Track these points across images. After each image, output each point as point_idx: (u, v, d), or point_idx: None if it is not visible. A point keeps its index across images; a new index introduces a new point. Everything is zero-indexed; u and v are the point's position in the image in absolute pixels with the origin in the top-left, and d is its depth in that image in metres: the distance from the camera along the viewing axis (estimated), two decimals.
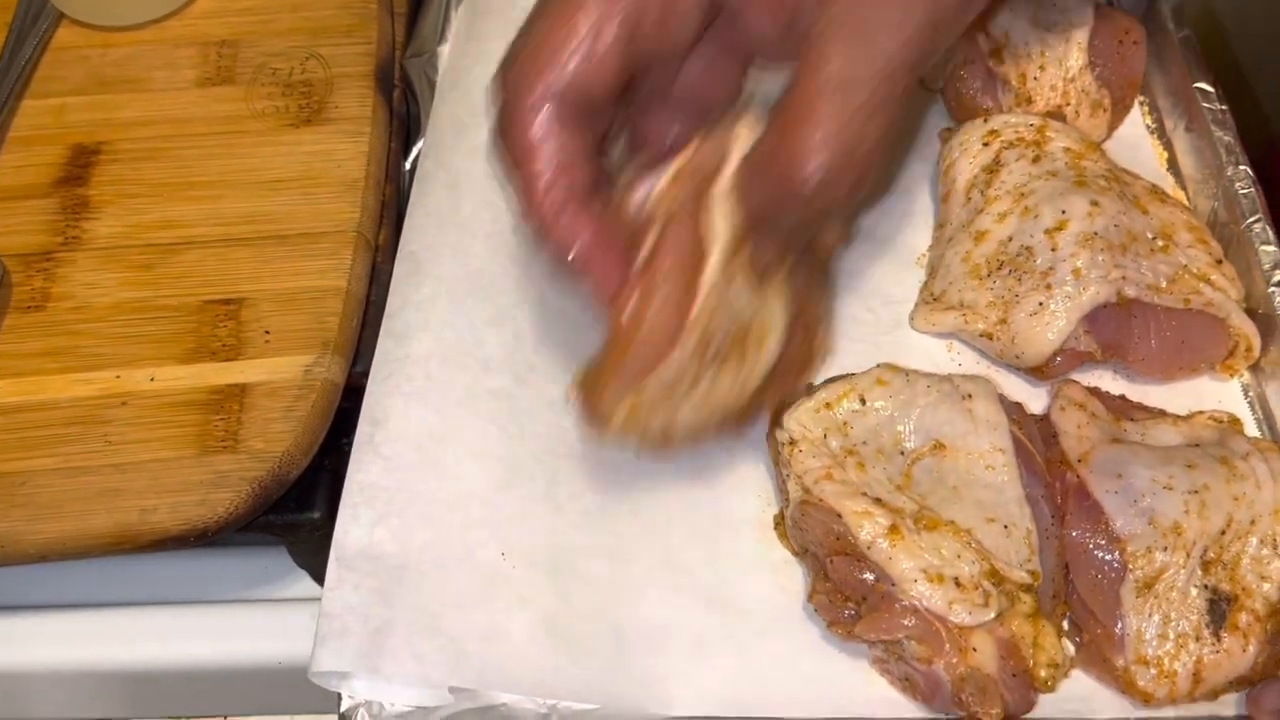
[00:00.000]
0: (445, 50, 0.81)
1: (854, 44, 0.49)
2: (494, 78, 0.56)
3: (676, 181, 0.58)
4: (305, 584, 0.71)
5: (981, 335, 0.71)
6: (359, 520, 0.61)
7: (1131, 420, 0.67)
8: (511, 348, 0.69)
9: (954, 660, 0.57)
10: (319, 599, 0.69)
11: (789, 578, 0.64)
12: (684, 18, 0.55)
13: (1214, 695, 0.60)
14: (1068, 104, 0.81)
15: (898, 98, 0.51)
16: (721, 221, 0.56)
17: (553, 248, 0.56)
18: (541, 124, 0.54)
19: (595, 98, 0.54)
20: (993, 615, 0.57)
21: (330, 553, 0.60)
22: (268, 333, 0.66)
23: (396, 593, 0.60)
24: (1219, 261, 0.72)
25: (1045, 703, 0.59)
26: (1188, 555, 0.59)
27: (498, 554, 0.62)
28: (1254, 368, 0.72)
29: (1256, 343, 0.70)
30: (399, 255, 0.71)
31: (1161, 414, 0.68)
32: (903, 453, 0.63)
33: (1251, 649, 0.58)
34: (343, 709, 0.57)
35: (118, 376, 0.65)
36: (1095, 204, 0.71)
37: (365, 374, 0.68)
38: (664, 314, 0.55)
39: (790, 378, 0.65)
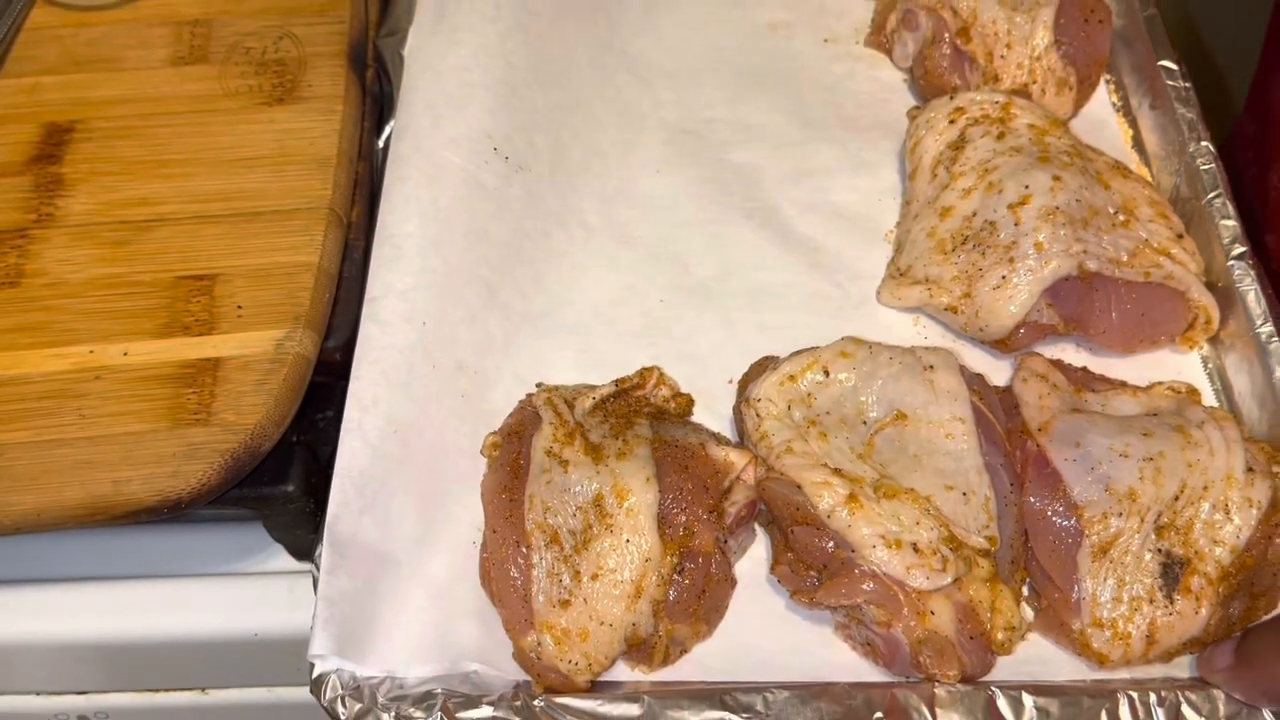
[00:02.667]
0: (412, 29, 0.81)
1: None
2: None
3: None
4: (281, 558, 0.72)
5: (946, 309, 0.72)
6: (350, 507, 0.62)
7: (1092, 391, 0.68)
8: (483, 349, 0.70)
9: (912, 624, 0.58)
10: (295, 573, 0.71)
11: (754, 553, 0.65)
12: None
13: (1168, 657, 0.61)
14: (1034, 82, 0.82)
15: None
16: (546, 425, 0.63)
17: None
18: None
19: None
20: (950, 580, 0.58)
21: (324, 538, 0.61)
22: (240, 308, 0.67)
23: (385, 578, 0.61)
24: (1180, 236, 0.74)
25: (1003, 665, 0.60)
26: (1142, 520, 0.61)
27: (470, 542, 0.64)
28: (1213, 340, 0.73)
29: (1215, 315, 0.72)
30: (377, 238, 0.72)
31: (1122, 385, 0.69)
32: (865, 423, 0.65)
33: (1203, 611, 0.60)
34: (314, 675, 0.58)
35: (91, 351, 0.65)
36: (1057, 179, 0.72)
37: (338, 349, 0.69)
38: (500, 553, 0.60)
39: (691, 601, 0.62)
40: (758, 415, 0.65)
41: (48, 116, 0.75)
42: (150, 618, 0.69)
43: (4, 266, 0.68)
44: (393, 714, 0.56)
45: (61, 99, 0.76)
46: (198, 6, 0.80)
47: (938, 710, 0.57)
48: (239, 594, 0.70)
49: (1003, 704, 0.57)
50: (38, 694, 0.75)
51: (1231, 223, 0.74)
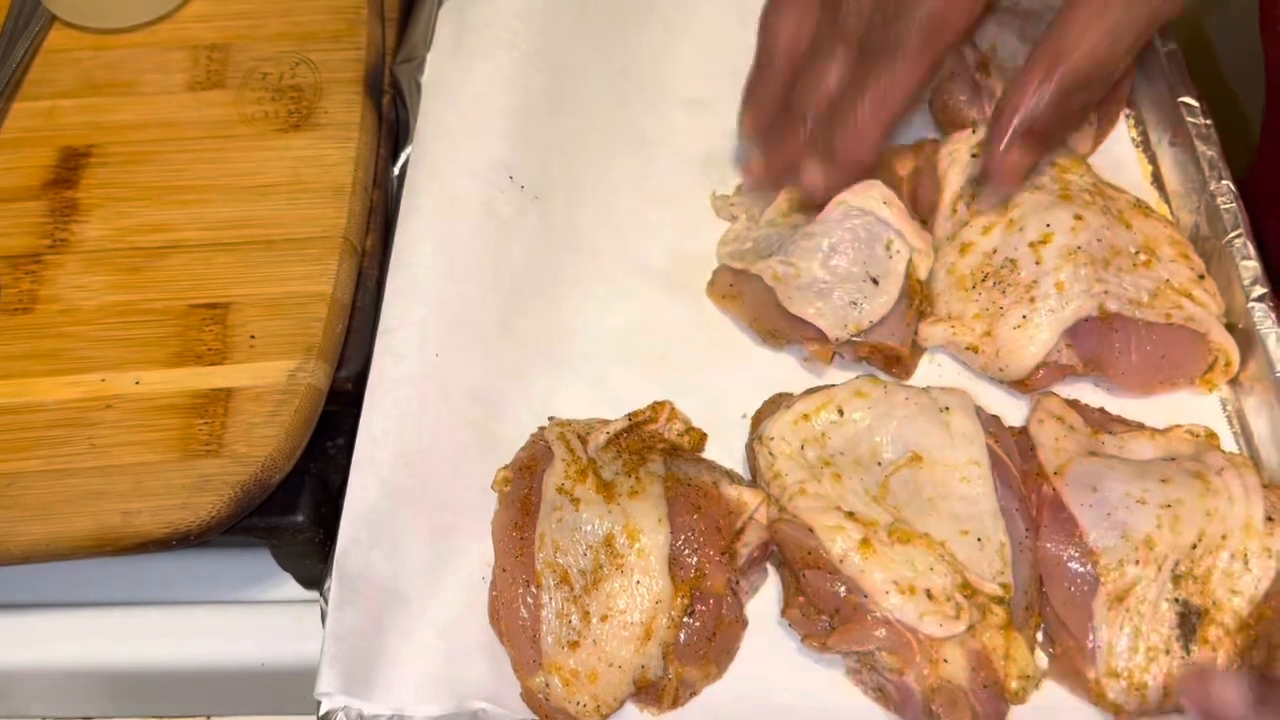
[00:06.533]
0: (430, 56, 0.81)
1: None
2: None
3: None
4: (289, 587, 0.71)
5: (968, 349, 0.71)
6: (359, 542, 0.61)
7: (1109, 433, 0.68)
8: (495, 381, 0.69)
9: (925, 671, 0.57)
10: (302, 601, 0.70)
11: (765, 592, 0.65)
12: None
13: (1184, 708, 0.60)
14: None
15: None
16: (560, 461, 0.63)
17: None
18: None
19: None
20: (964, 627, 0.57)
21: (333, 573, 0.60)
22: (253, 337, 0.66)
23: (393, 614, 0.61)
24: (1200, 277, 0.73)
25: (1017, 714, 0.60)
26: (1159, 569, 0.60)
27: (480, 578, 0.64)
28: (1232, 382, 0.72)
29: (1235, 358, 0.71)
30: (392, 266, 0.71)
31: (1139, 427, 0.69)
32: (880, 464, 0.64)
33: (1221, 662, 0.59)
34: (321, 713, 0.58)
35: (103, 379, 0.65)
36: (1079, 218, 0.71)
37: (349, 379, 0.69)
38: (509, 593, 0.60)
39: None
40: (770, 454, 0.64)
41: (64, 140, 0.75)
42: (156, 644, 0.69)
43: (18, 292, 0.68)
44: None
45: (78, 123, 0.76)
46: (215, 31, 0.80)
47: None
48: (245, 622, 0.70)
49: None
50: (43, 718, 0.75)
51: (1252, 263, 0.73)
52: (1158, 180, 0.83)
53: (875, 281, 0.71)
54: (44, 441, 0.63)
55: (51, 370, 0.66)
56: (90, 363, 0.66)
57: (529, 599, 0.59)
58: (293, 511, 0.66)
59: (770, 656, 0.62)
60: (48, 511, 0.61)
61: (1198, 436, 0.68)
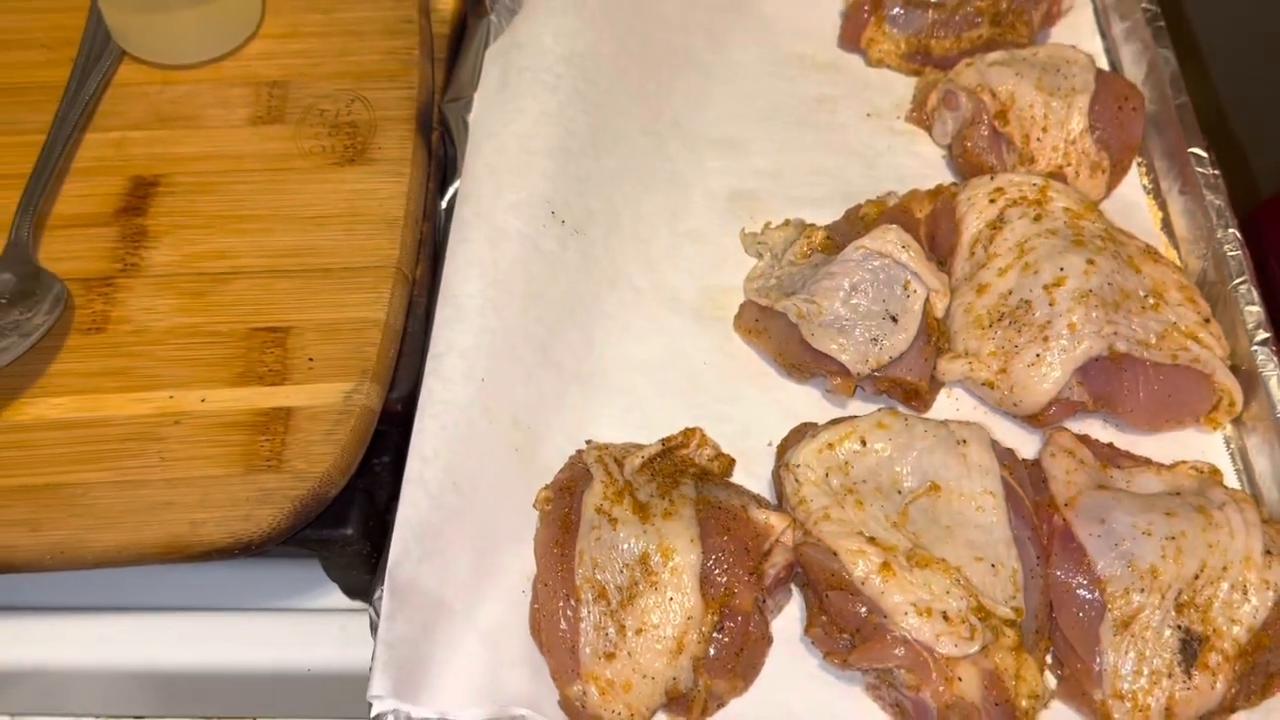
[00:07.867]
0: (477, 96, 0.85)
1: None
2: None
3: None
4: (335, 596, 0.75)
5: (984, 384, 0.75)
6: (410, 555, 0.65)
7: (1118, 468, 0.71)
8: (536, 406, 0.73)
9: (941, 689, 0.61)
10: (348, 610, 0.74)
11: (789, 611, 0.69)
12: None
13: None
14: (1068, 165, 0.85)
15: None
16: (597, 482, 0.67)
17: None
18: None
19: None
20: (978, 648, 0.61)
21: (385, 584, 0.64)
22: (311, 360, 0.71)
23: (440, 624, 0.64)
24: (1207, 320, 0.77)
25: None
26: (1163, 597, 0.64)
27: (521, 591, 0.67)
28: (1236, 421, 0.76)
29: (1239, 398, 0.75)
30: (441, 296, 0.75)
31: (1146, 462, 0.72)
32: (900, 492, 0.68)
33: (1220, 687, 0.62)
34: (372, 715, 0.61)
35: (171, 397, 0.69)
36: (1091, 263, 0.75)
37: (400, 400, 0.73)
38: (550, 606, 0.63)
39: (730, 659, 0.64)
40: (796, 481, 0.68)
41: (134, 170, 0.79)
42: (208, 647, 0.73)
43: (91, 313, 0.73)
44: None
45: (147, 154, 0.80)
46: (276, 69, 0.85)
47: None
48: (294, 629, 0.74)
49: None
50: (97, 717, 0.78)
51: (1256, 308, 0.77)
52: (1167, 226, 0.86)
53: (894, 319, 0.75)
54: (116, 454, 0.67)
55: (122, 387, 0.70)
56: (159, 381, 0.70)
57: (568, 612, 0.63)
58: (343, 525, 0.70)
59: (793, 672, 0.66)
60: (119, 521, 0.65)
61: (1202, 472, 0.71)
